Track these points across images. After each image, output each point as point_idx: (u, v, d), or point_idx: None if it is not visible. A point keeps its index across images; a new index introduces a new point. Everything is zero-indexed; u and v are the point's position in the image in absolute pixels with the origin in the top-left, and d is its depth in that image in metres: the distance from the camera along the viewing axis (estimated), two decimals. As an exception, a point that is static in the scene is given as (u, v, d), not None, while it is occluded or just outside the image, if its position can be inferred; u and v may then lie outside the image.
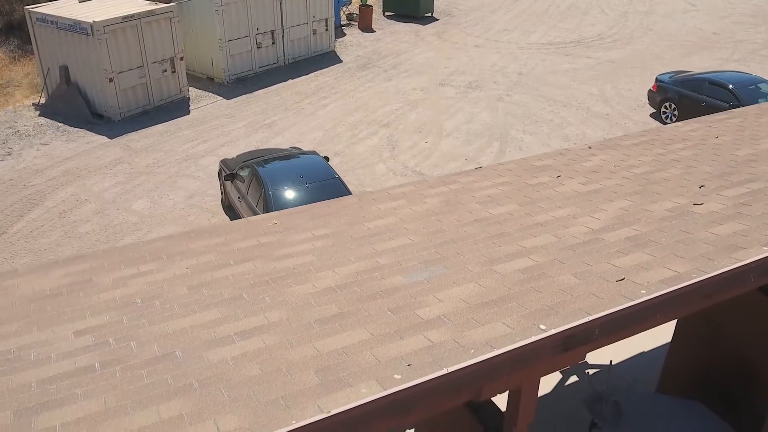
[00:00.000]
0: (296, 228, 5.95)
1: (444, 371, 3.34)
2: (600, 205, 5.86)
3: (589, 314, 3.82)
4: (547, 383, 8.73)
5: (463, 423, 4.80)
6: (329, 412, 3.08)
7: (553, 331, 3.66)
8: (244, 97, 20.60)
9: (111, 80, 17.76)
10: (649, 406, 6.80)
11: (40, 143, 16.70)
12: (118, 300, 4.68)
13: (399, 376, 3.33)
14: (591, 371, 7.59)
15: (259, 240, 5.72)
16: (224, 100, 20.37)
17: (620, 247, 4.81)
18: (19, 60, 22.37)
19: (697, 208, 5.58)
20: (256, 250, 5.44)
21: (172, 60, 19.44)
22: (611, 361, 6.79)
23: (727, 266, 4.34)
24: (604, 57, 25.12)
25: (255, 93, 20.94)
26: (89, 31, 17.32)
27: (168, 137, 17.34)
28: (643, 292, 4.05)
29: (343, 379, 3.36)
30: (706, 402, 6.83)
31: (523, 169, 7.19)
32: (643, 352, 8.83)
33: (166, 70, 19.29)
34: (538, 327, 3.71)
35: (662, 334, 9.22)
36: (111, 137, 17.24)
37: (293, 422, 3.03)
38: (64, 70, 18.51)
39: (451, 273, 4.58)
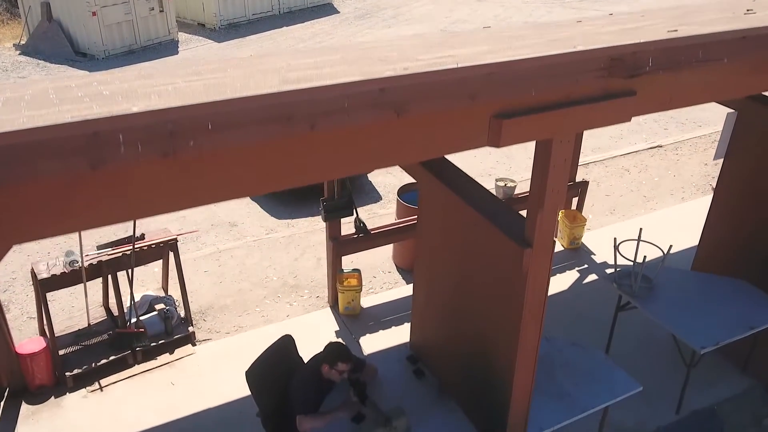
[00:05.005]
0: (275, 54, 5.08)
1: (452, 66, 2.45)
2: (633, 23, 4.96)
3: (639, 39, 2.92)
4: (564, 282, 7.87)
5: (484, 234, 3.90)
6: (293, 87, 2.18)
7: (594, 46, 2.76)
8: (236, 41, 19.65)
9: (94, 14, 16.79)
10: (686, 283, 5.92)
11: (18, 77, 15.78)
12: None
13: (391, 71, 2.44)
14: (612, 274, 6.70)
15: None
16: (215, 43, 19.41)
17: (667, 24, 3.91)
18: (6, 23, 21.42)
19: (749, 15, 4.68)
20: (229, 61, 4.56)
21: (160, -2, 18.48)
22: (641, 229, 5.91)
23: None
24: (614, 10, 24.14)
25: (248, 38, 19.98)
26: (71, -38, 16.37)
27: (154, 74, 16.40)
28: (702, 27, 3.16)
29: (315, 78, 2.46)
30: (749, 279, 5.93)
31: (538, 26, 6.30)
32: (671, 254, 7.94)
33: (153, 9, 18.31)
34: (573, 46, 2.82)
35: (689, 238, 8.32)
36: (92, 72, 16.31)
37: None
38: (46, 7, 17.53)
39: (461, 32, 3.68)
